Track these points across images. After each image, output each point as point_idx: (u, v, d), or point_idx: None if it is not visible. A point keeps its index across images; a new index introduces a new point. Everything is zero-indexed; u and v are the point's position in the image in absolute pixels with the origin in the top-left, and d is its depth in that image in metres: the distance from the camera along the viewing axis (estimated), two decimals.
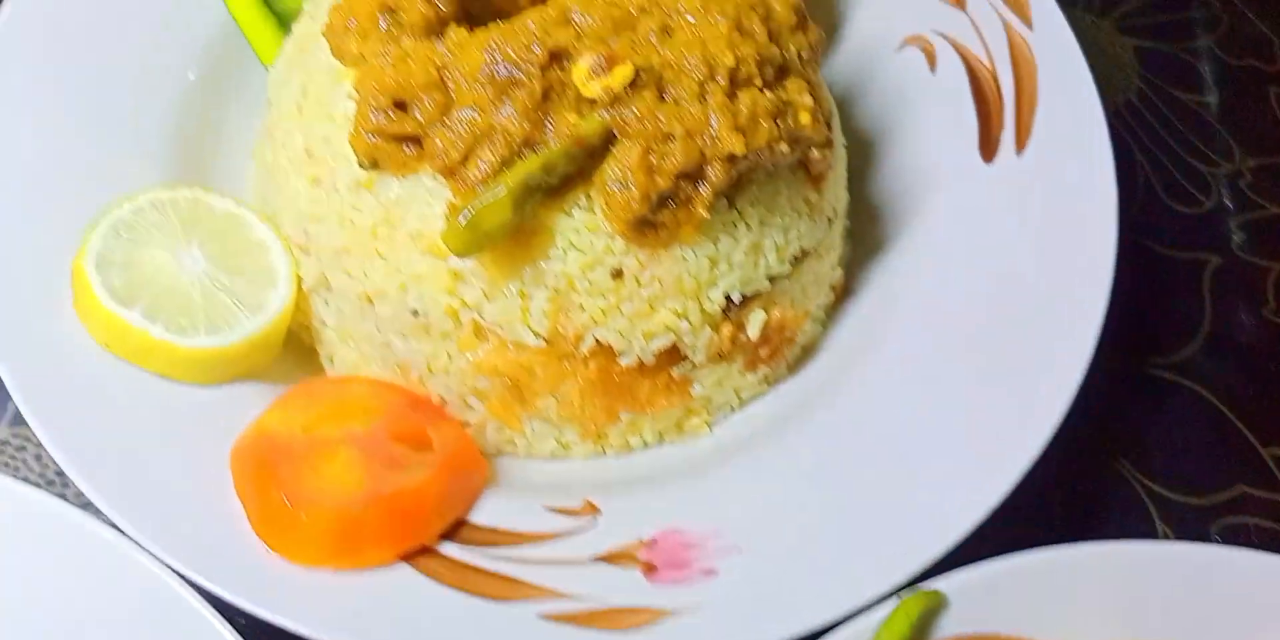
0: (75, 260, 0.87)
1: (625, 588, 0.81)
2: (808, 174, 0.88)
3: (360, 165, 0.83)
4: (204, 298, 0.88)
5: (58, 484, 0.96)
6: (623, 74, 0.78)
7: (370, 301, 0.87)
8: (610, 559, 0.83)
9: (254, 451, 0.83)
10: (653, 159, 0.79)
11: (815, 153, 0.85)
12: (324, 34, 0.85)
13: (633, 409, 0.90)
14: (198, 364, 0.87)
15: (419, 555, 0.82)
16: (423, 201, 0.83)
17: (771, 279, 0.89)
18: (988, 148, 0.99)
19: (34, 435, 0.94)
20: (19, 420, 0.99)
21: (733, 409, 0.96)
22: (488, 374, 0.87)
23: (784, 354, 0.95)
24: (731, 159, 0.80)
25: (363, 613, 0.79)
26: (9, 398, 0.97)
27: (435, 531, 0.83)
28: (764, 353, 0.92)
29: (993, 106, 1.00)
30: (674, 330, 0.86)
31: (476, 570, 0.82)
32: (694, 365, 0.89)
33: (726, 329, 0.88)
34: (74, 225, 0.91)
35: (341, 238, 0.86)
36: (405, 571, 0.81)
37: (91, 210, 0.92)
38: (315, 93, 0.89)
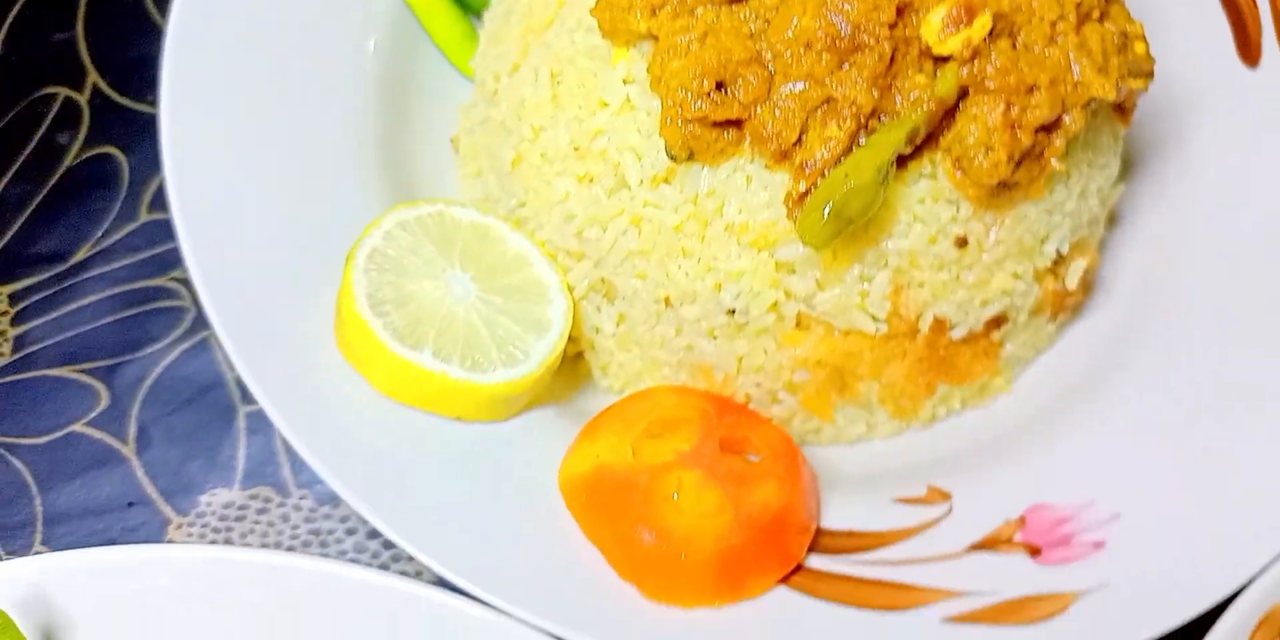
0: (345, 305, 0.74)
1: (1017, 575, 0.72)
2: (1121, 107, 0.77)
3: (672, 157, 0.70)
4: (487, 326, 0.76)
5: (325, 545, 0.84)
6: (983, 24, 0.66)
7: (669, 304, 0.75)
8: (987, 546, 0.73)
9: (597, 490, 0.72)
10: (1014, 114, 0.67)
11: (1139, 83, 0.73)
12: (595, 13, 0.71)
13: (951, 381, 0.79)
14: (500, 400, 0.75)
15: (791, 575, 0.72)
16: (743, 190, 0.71)
17: (1090, 223, 0.78)
18: (1247, 50, 0.87)
19: (275, 496, 0.84)
20: (252, 481, 0.87)
21: (1026, 363, 0.86)
22: (809, 367, 0.76)
23: (1086, 299, 0.84)
24: (1088, 103, 0.68)
25: None
26: (234, 457, 0.87)
27: (805, 546, 0.73)
28: (1072, 302, 0.82)
29: (1245, 9, 0.87)
30: (1009, 293, 0.75)
31: (858, 581, 0.72)
32: (1013, 326, 0.79)
33: (1049, 283, 0.78)
34: (313, 260, 0.78)
35: (635, 239, 0.74)
36: (789, 595, 0.71)
37: (324, 239, 0.79)
38: (575, 79, 0.75)
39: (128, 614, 0.69)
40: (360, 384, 0.75)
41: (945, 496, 0.76)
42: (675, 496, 0.70)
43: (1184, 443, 0.75)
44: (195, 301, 0.93)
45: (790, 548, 0.71)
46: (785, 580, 0.71)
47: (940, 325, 0.75)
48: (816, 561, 0.73)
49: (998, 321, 0.77)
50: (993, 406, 0.83)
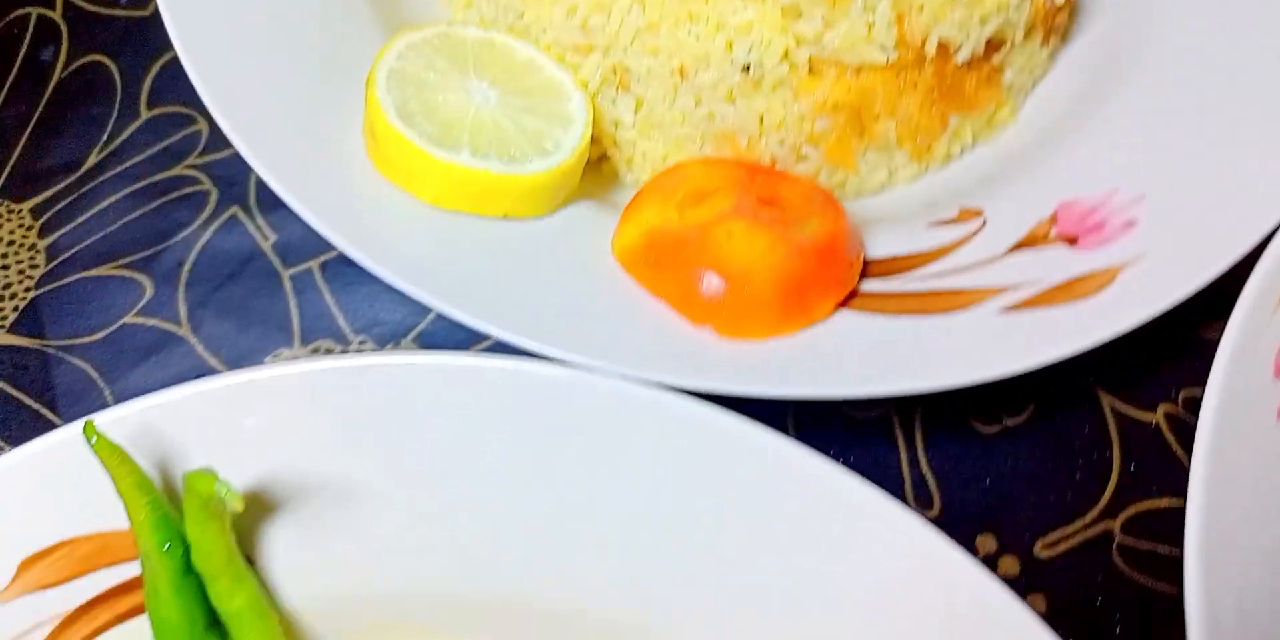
0: (378, 122, 0.77)
1: (1060, 263, 0.77)
2: None
3: None
4: (515, 125, 0.79)
5: None
6: None
7: (684, 75, 0.79)
8: (1026, 245, 0.78)
9: (651, 249, 0.76)
10: None
11: None
12: None
13: (960, 110, 0.84)
14: (542, 190, 0.79)
15: (850, 300, 0.77)
16: None
17: None
18: None
19: (335, 346, 0.88)
20: (311, 336, 0.91)
21: (1026, 93, 0.90)
22: (829, 112, 0.80)
23: (1072, 21, 0.89)
24: None
25: (840, 361, 0.73)
26: (287, 317, 0.91)
27: (857, 272, 0.78)
28: (1061, 19, 0.86)
29: None
30: (1004, 8, 0.79)
31: (913, 294, 0.77)
32: (1011, 47, 0.83)
33: None
34: (331, 100, 0.82)
35: (641, 14, 0.78)
36: (852, 315, 0.76)
37: (337, 81, 0.82)
38: None
39: (235, 437, 0.72)
40: (408, 200, 0.78)
41: (977, 213, 0.80)
42: (728, 243, 0.74)
43: (1192, 123, 0.80)
44: (215, 184, 0.97)
45: (844, 274, 0.76)
46: (844, 304, 0.75)
47: (944, 50, 0.79)
48: (870, 285, 0.77)
49: (996, 45, 0.82)
50: (1001, 139, 0.88)
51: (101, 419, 0.71)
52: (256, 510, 0.72)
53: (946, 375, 0.70)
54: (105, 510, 0.71)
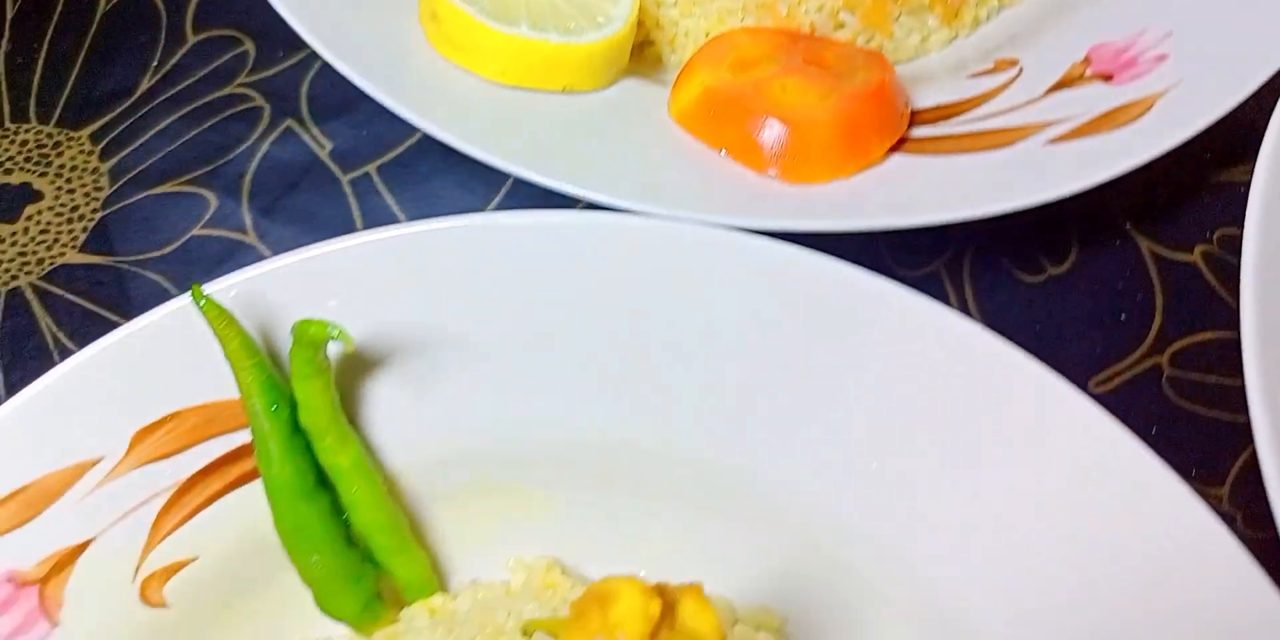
0: (438, 2, 0.81)
1: (1099, 98, 0.81)
2: None
3: None
4: (566, 3, 0.83)
5: None
6: None
7: None
8: (1064, 84, 0.82)
9: (709, 106, 0.80)
10: None
11: None
12: None
13: None
14: (598, 60, 0.83)
15: (901, 145, 0.81)
16: None
17: None
18: None
19: None
20: None
21: None
22: None
23: None
24: None
25: (904, 195, 0.77)
26: (350, 218, 0.94)
27: (906, 119, 0.82)
28: None
29: None
30: None
31: (961, 137, 0.81)
32: None
33: None
34: None
35: None
36: (905, 158, 0.80)
37: None
38: None
39: (329, 304, 0.75)
40: (473, 79, 0.82)
41: (1013, 62, 0.85)
42: (784, 95, 0.78)
43: None
44: (267, 100, 1.00)
45: (895, 119, 0.80)
46: (899, 149, 0.79)
47: None
48: (919, 131, 0.81)
49: None
50: (1024, 3, 0.92)
51: (207, 289, 0.74)
52: (355, 373, 0.75)
53: (1003, 201, 0.74)
54: (211, 382, 0.74)
